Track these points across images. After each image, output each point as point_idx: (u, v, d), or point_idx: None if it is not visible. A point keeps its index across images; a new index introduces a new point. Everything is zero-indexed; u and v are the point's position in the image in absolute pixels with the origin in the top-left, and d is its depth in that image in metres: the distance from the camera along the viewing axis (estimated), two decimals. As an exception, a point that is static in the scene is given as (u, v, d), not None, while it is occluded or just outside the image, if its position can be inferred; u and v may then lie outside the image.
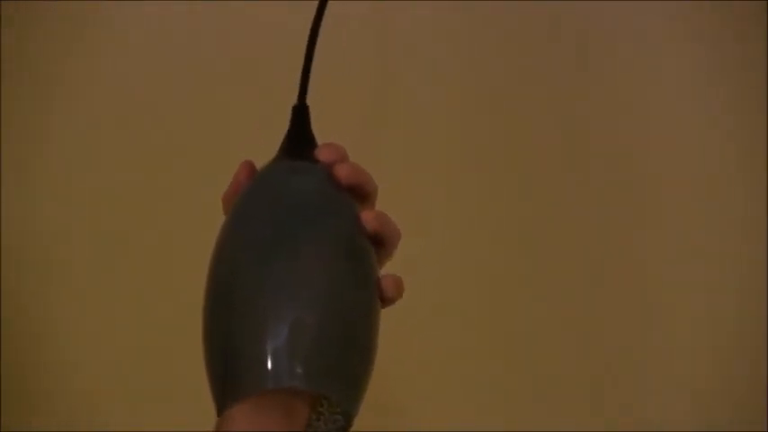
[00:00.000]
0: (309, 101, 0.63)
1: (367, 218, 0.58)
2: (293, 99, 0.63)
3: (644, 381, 0.92)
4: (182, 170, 0.92)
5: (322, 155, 0.60)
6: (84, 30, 0.94)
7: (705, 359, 0.91)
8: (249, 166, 0.61)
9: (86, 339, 0.94)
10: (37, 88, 0.94)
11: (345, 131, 0.64)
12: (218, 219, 0.60)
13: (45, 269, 0.95)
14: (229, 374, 0.55)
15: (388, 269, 0.61)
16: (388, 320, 0.60)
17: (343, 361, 0.56)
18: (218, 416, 0.56)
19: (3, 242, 0.94)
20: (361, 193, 0.60)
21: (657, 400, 0.92)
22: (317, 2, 0.63)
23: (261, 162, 0.62)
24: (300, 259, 0.56)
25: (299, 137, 0.62)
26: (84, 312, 0.95)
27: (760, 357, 0.89)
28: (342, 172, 0.59)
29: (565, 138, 0.92)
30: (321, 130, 0.63)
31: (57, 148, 0.94)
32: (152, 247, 0.93)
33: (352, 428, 0.58)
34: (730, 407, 0.89)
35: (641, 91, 0.92)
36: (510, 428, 0.91)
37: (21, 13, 0.92)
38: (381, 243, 0.59)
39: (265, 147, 0.63)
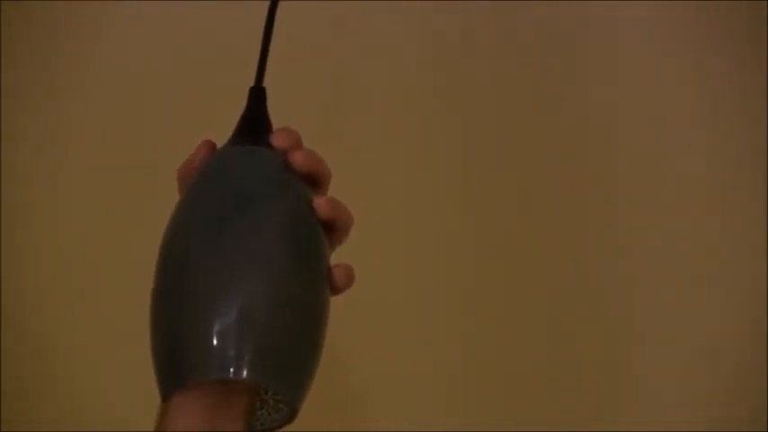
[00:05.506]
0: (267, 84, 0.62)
1: (319, 203, 0.58)
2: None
3: (644, 380, 0.92)
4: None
5: (277, 140, 0.59)
6: (84, 30, 0.95)
7: (705, 359, 0.91)
8: (209, 145, 0.60)
9: (87, 339, 0.94)
10: (37, 88, 0.94)
11: (302, 116, 0.63)
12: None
13: (45, 269, 0.95)
14: (174, 361, 0.54)
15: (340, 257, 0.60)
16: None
17: (290, 351, 0.55)
18: (162, 401, 0.55)
19: (3, 241, 0.94)
20: (314, 180, 0.59)
21: (657, 401, 0.92)
22: None
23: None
24: (250, 244, 0.55)
25: (255, 119, 0.61)
26: (84, 312, 0.95)
27: (760, 358, 0.90)
28: (296, 158, 0.58)
29: (557, 137, 0.93)
30: (278, 114, 0.62)
31: (57, 147, 0.94)
32: (153, 247, 0.93)
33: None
34: (730, 407, 0.90)
35: (638, 92, 0.92)
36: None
37: (21, 12, 0.92)
38: (333, 228, 0.59)
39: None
